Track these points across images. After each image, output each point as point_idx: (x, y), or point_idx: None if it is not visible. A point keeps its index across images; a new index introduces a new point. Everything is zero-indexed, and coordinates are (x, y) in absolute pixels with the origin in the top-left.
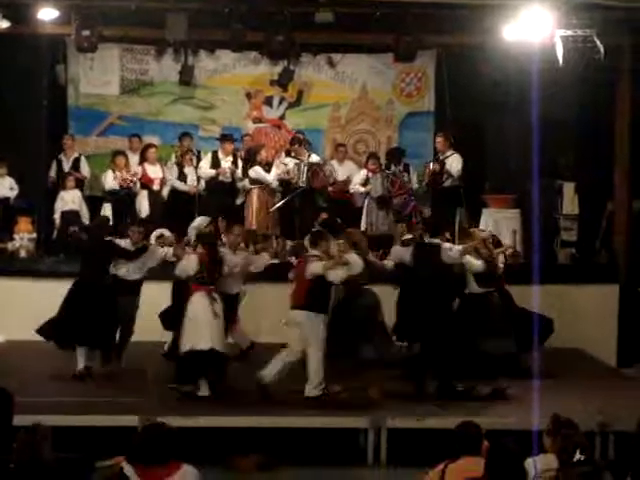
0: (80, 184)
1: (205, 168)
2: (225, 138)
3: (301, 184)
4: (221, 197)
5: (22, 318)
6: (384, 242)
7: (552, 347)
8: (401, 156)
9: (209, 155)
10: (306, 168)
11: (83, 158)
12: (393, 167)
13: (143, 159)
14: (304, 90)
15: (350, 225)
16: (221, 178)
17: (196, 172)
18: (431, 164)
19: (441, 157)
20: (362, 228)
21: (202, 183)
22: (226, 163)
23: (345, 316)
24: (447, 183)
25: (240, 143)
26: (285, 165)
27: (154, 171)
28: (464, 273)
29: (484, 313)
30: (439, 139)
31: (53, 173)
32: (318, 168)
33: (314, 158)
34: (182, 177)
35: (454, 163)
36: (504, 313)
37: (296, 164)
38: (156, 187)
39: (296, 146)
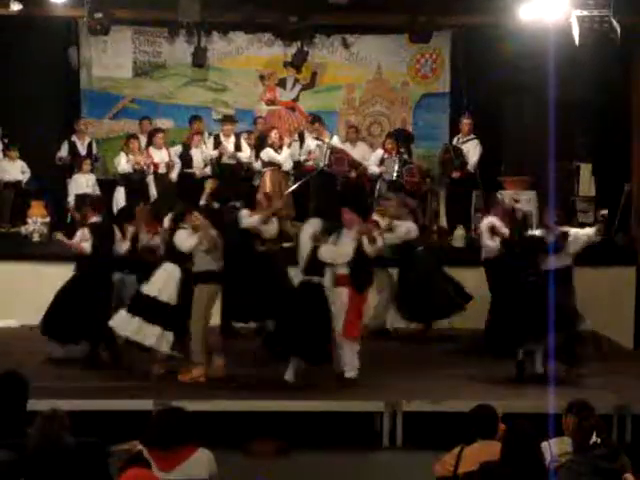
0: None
1: (208, 151)
2: (226, 119)
3: (321, 164)
4: (230, 180)
5: (35, 302)
6: None
7: None
8: (408, 141)
9: (212, 138)
10: (329, 151)
11: (94, 142)
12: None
13: (149, 143)
14: (318, 72)
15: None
16: (225, 160)
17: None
18: (454, 173)
19: (461, 139)
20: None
21: (209, 167)
22: (228, 144)
23: None
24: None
25: (253, 125)
26: (306, 145)
27: (159, 155)
28: None
29: None
30: (466, 121)
31: (65, 153)
32: (344, 155)
33: (335, 139)
34: (188, 159)
35: (471, 152)
36: None
37: (318, 145)
38: (162, 171)
39: (317, 124)
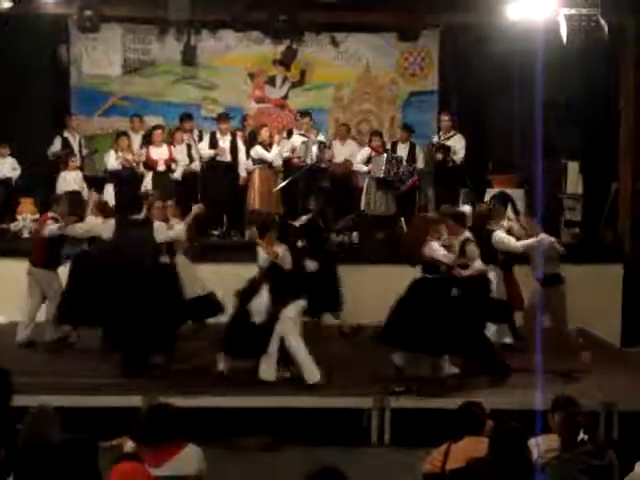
0: (81, 164)
1: (204, 148)
2: (222, 117)
3: (308, 162)
4: (222, 177)
5: (24, 299)
6: (382, 223)
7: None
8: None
9: (208, 135)
10: (315, 146)
11: (82, 140)
12: (399, 152)
13: (149, 140)
14: (307, 70)
15: (350, 205)
16: (220, 158)
17: (188, 152)
18: (438, 154)
19: (443, 137)
20: (362, 208)
21: (196, 163)
22: (225, 143)
23: None
24: (450, 164)
25: (241, 123)
26: (291, 142)
27: (158, 152)
28: None
29: None
30: (445, 117)
31: (58, 148)
32: (325, 148)
33: (321, 137)
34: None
35: (457, 146)
36: None
37: (303, 142)
38: (161, 168)
39: (307, 119)
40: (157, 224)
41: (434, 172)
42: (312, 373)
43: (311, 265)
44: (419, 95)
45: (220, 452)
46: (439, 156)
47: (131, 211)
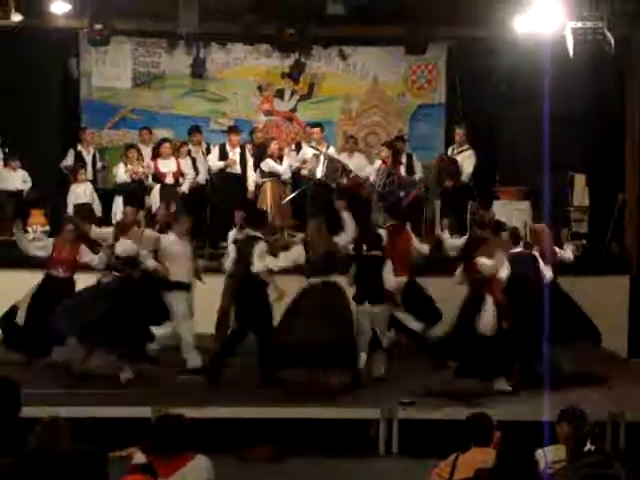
0: (94, 177)
1: (213, 160)
2: (232, 129)
3: (318, 176)
4: (231, 189)
5: None
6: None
7: None
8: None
9: (217, 147)
10: (327, 161)
11: (97, 152)
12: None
13: (157, 154)
14: (315, 83)
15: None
16: (229, 170)
17: (193, 165)
18: (447, 181)
19: (456, 150)
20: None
21: (201, 176)
22: (234, 155)
23: None
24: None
25: (250, 136)
26: (301, 154)
27: (166, 165)
28: None
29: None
30: (459, 131)
31: (70, 162)
32: (339, 164)
33: (331, 150)
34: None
35: (465, 163)
36: None
37: (315, 155)
38: (169, 180)
39: (318, 129)
40: (261, 245)
41: (440, 183)
42: None
43: None
44: (427, 108)
45: (229, 462)
46: (448, 183)
47: (256, 225)
